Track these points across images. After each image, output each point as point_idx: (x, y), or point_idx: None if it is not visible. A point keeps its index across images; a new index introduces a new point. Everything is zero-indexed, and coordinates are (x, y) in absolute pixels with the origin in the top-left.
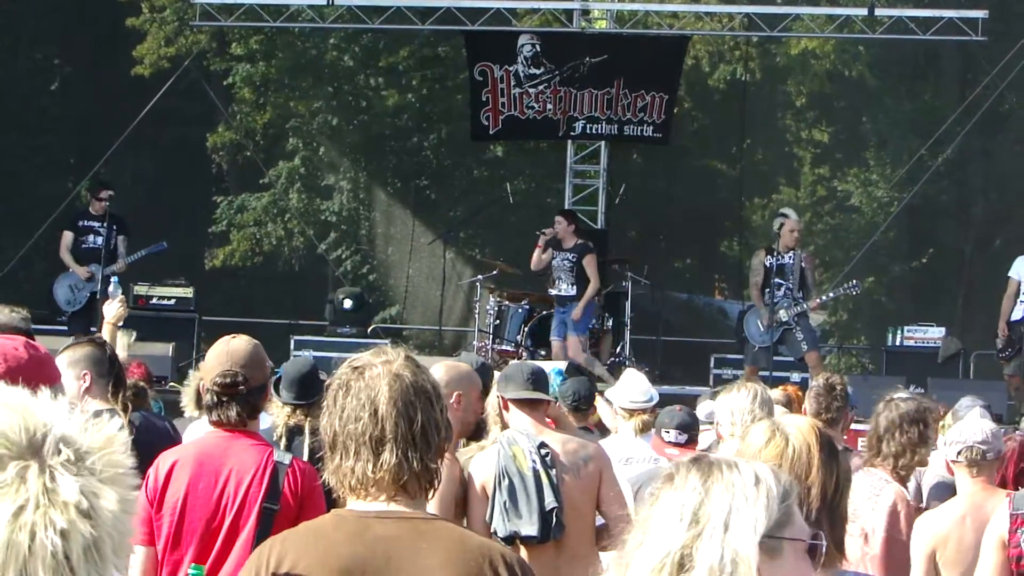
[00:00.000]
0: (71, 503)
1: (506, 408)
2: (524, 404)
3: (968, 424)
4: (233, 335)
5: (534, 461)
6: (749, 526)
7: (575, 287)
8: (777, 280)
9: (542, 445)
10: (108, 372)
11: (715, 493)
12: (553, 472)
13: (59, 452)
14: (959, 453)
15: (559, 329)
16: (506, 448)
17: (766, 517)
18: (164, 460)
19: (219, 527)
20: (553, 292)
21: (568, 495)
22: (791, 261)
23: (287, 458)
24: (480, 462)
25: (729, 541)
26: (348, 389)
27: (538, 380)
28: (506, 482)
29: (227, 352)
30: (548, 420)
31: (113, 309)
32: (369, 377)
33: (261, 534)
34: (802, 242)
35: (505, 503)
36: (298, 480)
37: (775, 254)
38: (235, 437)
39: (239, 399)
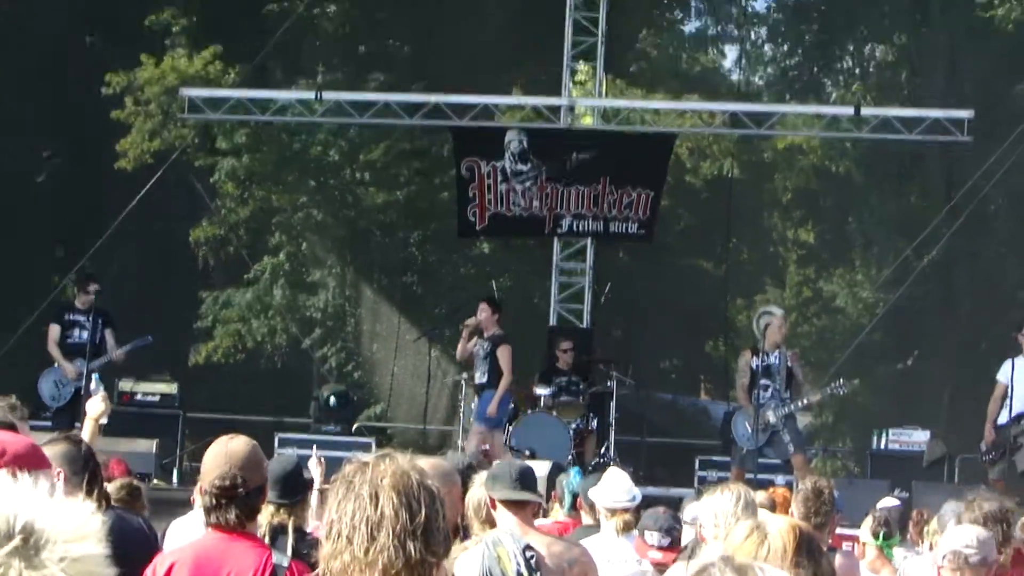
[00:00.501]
0: None
1: (493, 507)
2: (511, 504)
3: (958, 529)
4: (231, 436)
5: (519, 564)
6: None
7: (487, 376)
8: (764, 381)
9: (527, 547)
10: (82, 470)
11: None
12: (537, 575)
13: (18, 544)
14: (943, 557)
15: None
16: (491, 549)
17: None
18: (162, 561)
19: None
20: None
21: None
22: (777, 361)
23: (285, 560)
24: (465, 562)
25: None
26: (351, 482)
27: (525, 480)
28: None
29: (226, 454)
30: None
31: (96, 406)
32: (374, 471)
33: None
34: (787, 340)
35: None
36: None
37: (761, 354)
38: (233, 539)
39: (238, 501)
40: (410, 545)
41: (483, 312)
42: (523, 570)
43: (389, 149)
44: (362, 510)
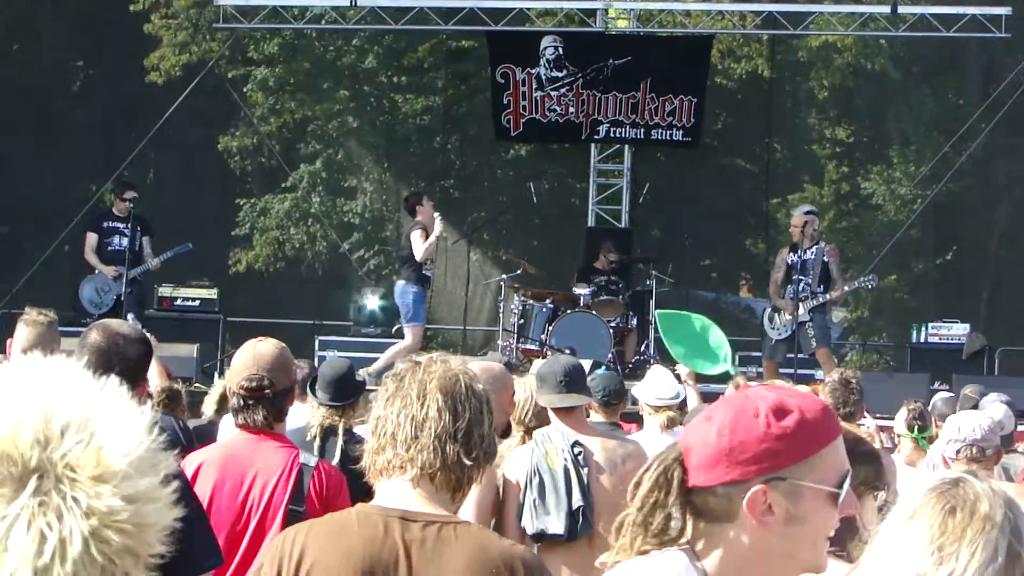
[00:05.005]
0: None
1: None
2: (558, 410)
3: (966, 421)
4: (260, 338)
5: (566, 460)
6: None
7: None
8: (797, 276)
9: (576, 444)
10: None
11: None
12: (584, 471)
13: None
14: (958, 452)
15: None
16: (539, 446)
17: None
18: (191, 461)
19: (245, 528)
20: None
21: (603, 494)
22: (812, 256)
23: (312, 460)
24: (515, 460)
25: None
26: (402, 380)
27: (571, 380)
28: (537, 480)
29: (254, 356)
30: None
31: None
32: (424, 372)
33: None
34: (818, 236)
35: (535, 501)
36: (323, 482)
37: (798, 250)
38: (261, 439)
39: (265, 402)
40: (449, 447)
41: (432, 208)
42: (570, 465)
43: (432, 50)
44: (408, 408)
